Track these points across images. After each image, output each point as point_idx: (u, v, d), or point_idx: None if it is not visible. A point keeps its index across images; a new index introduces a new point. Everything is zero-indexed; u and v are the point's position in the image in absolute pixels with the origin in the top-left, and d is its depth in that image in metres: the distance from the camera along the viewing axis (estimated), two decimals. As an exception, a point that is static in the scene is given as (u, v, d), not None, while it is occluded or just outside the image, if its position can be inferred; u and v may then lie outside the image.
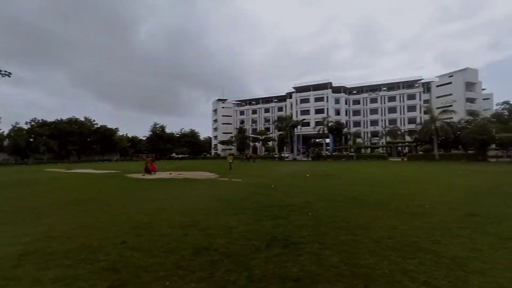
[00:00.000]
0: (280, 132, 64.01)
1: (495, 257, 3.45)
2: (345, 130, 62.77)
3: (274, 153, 65.03)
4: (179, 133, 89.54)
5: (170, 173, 19.68)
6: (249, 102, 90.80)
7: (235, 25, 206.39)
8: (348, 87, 73.65)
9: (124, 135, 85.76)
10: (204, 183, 13.37)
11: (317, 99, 69.08)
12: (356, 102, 74.31)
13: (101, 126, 77.13)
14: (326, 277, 3.06)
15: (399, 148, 57.07)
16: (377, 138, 65.80)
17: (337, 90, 70.47)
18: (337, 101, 70.47)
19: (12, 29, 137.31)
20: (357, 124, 72.82)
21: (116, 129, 79.42)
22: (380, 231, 4.67)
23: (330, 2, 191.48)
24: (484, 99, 67.38)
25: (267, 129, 78.88)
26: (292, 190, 9.99)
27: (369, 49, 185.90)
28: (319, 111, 67.06)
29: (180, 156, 78.82)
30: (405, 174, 16.69)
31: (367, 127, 72.21)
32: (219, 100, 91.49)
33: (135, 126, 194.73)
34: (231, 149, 73.77)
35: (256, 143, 75.09)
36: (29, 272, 3.31)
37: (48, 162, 58.44)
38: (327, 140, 62.02)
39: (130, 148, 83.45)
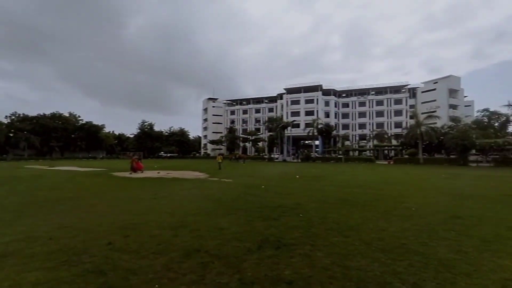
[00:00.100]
0: (271, 133, 64.25)
1: (480, 259, 3.55)
2: (334, 132, 63.73)
3: (264, 154, 65.19)
4: (168, 132, 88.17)
5: (158, 172, 19.31)
6: (240, 102, 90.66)
7: (226, 24, 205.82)
8: (338, 90, 74.99)
9: (111, 132, 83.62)
10: (193, 183, 13.18)
11: (308, 101, 69.93)
12: (345, 105, 75.75)
13: (86, 122, 74.81)
14: (319, 279, 3.05)
15: (386, 151, 58.52)
16: (365, 141, 67.22)
17: (327, 92, 71.59)
18: (326, 103, 71.57)
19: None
20: (345, 126, 74.18)
21: (103, 126, 77.26)
22: (370, 233, 4.73)
23: (321, 6, 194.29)
24: (465, 106, 70.29)
25: (258, 129, 79.01)
26: (282, 191, 10.00)
27: (358, 53, 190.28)
28: (309, 113, 67.90)
29: (168, 155, 77.60)
30: (392, 177, 17.09)
31: (355, 130, 73.71)
32: (209, 99, 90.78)
33: (123, 123, 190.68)
34: (221, 149, 73.36)
35: (246, 143, 75.00)
36: (8, 275, 3.13)
37: (29, 158, 56.00)
38: (317, 142, 62.81)
39: (117, 146, 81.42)
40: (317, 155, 52.36)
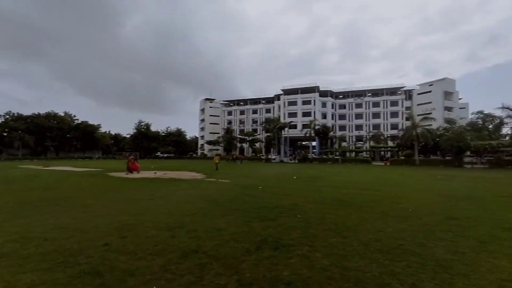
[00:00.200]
0: (268, 134, 64.29)
1: (477, 260, 3.58)
2: (331, 133, 64.00)
3: (261, 154, 65.18)
4: (165, 132, 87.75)
5: (155, 173, 19.19)
6: (237, 102, 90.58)
7: (224, 24, 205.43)
8: (335, 91, 75.36)
9: (107, 132, 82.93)
10: (190, 183, 13.12)
11: (305, 102, 70.13)
12: (342, 106, 76.15)
13: (82, 122, 74.25)
14: (317, 280, 3.04)
15: (382, 152, 58.89)
16: (361, 142, 67.65)
17: (324, 94, 71.89)
18: (323, 105, 71.87)
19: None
20: (342, 128, 74.53)
21: (98, 126, 76.71)
22: (368, 234, 4.75)
23: (318, 8, 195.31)
24: (460, 108, 71.07)
25: (255, 130, 78.97)
26: (280, 192, 10.00)
27: (354, 55, 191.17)
28: (306, 114, 68.09)
29: (165, 155, 77.23)
30: (388, 178, 17.20)
31: (352, 131, 74.09)
32: (206, 99, 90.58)
33: (119, 123, 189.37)
34: (218, 150, 73.19)
35: (244, 144, 74.96)
36: (2, 276, 3.07)
37: (23, 158, 55.35)
38: (314, 143, 62.99)
39: (113, 146, 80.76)
40: (314, 156, 52.53)
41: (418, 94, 69.41)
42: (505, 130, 40.43)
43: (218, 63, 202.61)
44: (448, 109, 64.90)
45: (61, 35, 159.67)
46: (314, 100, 69.25)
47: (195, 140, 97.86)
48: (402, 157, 41.94)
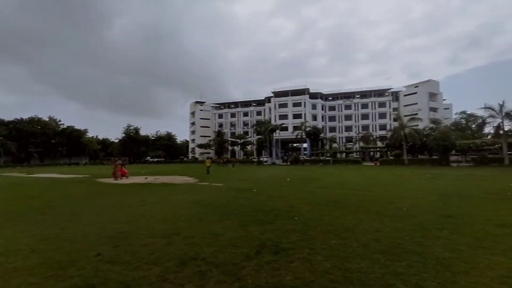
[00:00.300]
0: (259, 136, 64.35)
1: (475, 257, 3.62)
2: (322, 135, 64.72)
3: (252, 157, 65.11)
4: (155, 136, 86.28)
5: (146, 178, 18.76)
6: (228, 105, 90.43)
7: (213, 27, 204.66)
8: (325, 93, 76.42)
9: (94, 137, 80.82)
10: (183, 188, 12.88)
11: (295, 104, 70.76)
12: (332, 108, 77.29)
13: (68, 126, 72.02)
14: (321, 283, 2.99)
15: (372, 153, 60.03)
16: (351, 143, 68.76)
17: (314, 96, 72.76)
18: (314, 106, 72.70)
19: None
20: (332, 129, 75.57)
21: (85, 130, 74.64)
22: (366, 234, 4.74)
23: (306, 11, 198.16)
24: (445, 108, 73.54)
25: (246, 133, 78.95)
26: (275, 194, 9.94)
27: (342, 58, 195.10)
28: (297, 116, 68.66)
29: (155, 159, 75.96)
30: (380, 178, 17.47)
31: (342, 133, 75.23)
32: (197, 102, 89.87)
33: (107, 127, 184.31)
34: (209, 153, 72.59)
35: (235, 147, 74.69)
36: (-16, 294, 2.85)
37: (5, 165, 52.98)
38: (305, 145, 63.46)
39: (101, 151, 78.65)
40: (305, 158, 52.88)
41: (405, 95, 71.40)
42: (487, 129, 41.99)
43: (208, 65, 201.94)
44: (433, 109, 67.04)
45: (45, 37, 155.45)
46: (305, 102, 69.99)
47: (185, 143, 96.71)
48: (392, 157, 42.85)
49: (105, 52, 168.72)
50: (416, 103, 66.82)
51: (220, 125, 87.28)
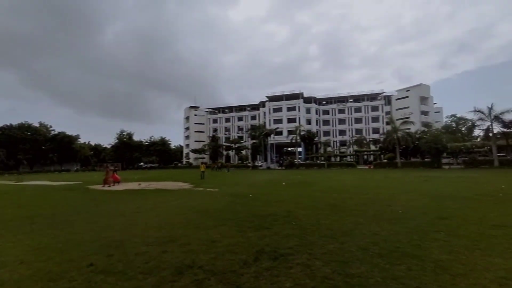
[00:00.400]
0: (254, 141, 64.33)
1: (473, 259, 3.63)
2: (316, 139, 65.14)
3: (247, 161, 64.95)
4: (148, 141, 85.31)
5: (139, 184, 18.45)
6: (222, 110, 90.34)
7: (207, 32, 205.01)
8: (318, 98, 77.21)
9: (86, 143, 79.52)
10: (178, 194, 12.70)
11: (290, 109, 71.23)
12: (326, 112, 78.04)
13: (59, 132, 70.76)
14: (321, 290, 2.94)
15: (365, 156, 60.57)
16: (345, 147, 69.35)
17: (308, 100, 73.40)
18: (308, 111, 73.28)
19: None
20: (326, 133, 76.16)
21: (77, 136, 73.50)
22: (364, 238, 4.73)
23: (299, 17, 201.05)
24: (435, 112, 75.18)
25: (241, 137, 78.84)
26: (271, 199, 9.89)
27: (335, 62, 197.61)
28: (291, 120, 69.07)
29: (149, 165, 75.05)
30: (374, 181, 17.59)
31: (336, 136, 75.86)
32: (191, 107, 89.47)
33: (99, 133, 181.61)
34: (204, 158, 72.14)
35: (230, 151, 74.44)
36: (-31, 309, 2.70)
37: (-7, 173, 51.51)
38: (299, 149, 63.70)
39: (93, 157, 77.35)
40: (300, 162, 53.01)
41: (397, 99, 72.65)
42: (477, 132, 42.99)
43: (202, 71, 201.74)
44: (425, 113, 68.34)
45: (36, 42, 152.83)
46: (299, 107, 70.51)
47: (180, 149, 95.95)
48: (385, 160, 43.34)
49: (98, 57, 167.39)
50: (408, 107, 68.02)
51: (215, 130, 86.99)
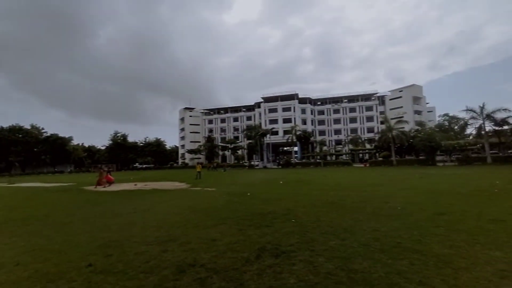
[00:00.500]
0: (249, 141, 64.27)
1: (473, 253, 3.67)
2: (312, 138, 65.40)
3: (243, 161, 64.84)
4: (143, 142, 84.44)
5: (135, 184, 18.24)
6: (218, 111, 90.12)
7: (201, 35, 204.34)
8: (313, 98, 77.58)
9: (80, 145, 78.38)
10: (175, 193, 12.59)
11: (285, 109, 71.43)
12: (321, 112, 78.48)
13: (51, 134, 69.50)
14: (326, 285, 2.93)
15: (361, 155, 61.07)
16: (341, 146, 69.82)
17: (303, 101, 73.72)
18: (303, 111, 73.58)
19: None
20: (322, 133, 76.59)
21: (70, 138, 72.33)
22: (365, 234, 4.73)
23: (292, 20, 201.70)
24: (428, 111, 76.31)
25: (236, 137, 78.68)
26: (269, 198, 9.86)
27: (329, 64, 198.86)
28: (286, 120, 69.27)
29: (144, 166, 74.33)
30: (371, 178, 17.71)
31: (331, 136, 76.33)
32: (186, 108, 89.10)
33: (93, 135, 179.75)
34: (200, 158, 71.80)
35: (226, 151, 74.23)
36: (-35, 312, 2.62)
37: (-17, 176, 50.36)
38: (295, 148, 63.89)
39: (87, 159, 76.31)
40: (296, 161, 53.16)
41: (390, 99, 73.50)
42: (469, 130, 43.70)
43: (197, 73, 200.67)
44: (418, 112, 69.32)
45: (26, 44, 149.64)
46: (294, 107, 70.76)
47: (175, 149, 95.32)
48: (380, 158, 43.71)
49: (91, 59, 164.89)
50: (402, 107, 68.90)
51: (210, 131, 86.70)
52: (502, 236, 4.35)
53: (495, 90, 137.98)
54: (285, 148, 74.75)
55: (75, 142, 75.41)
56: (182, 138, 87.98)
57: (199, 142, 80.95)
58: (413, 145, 39.68)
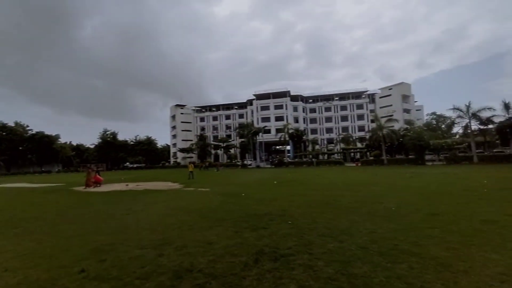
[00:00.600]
0: (242, 139, 64.06)
1: (470, 255, 3.71)
2: (304, 137, 65.78)
3: (236, 160, 64.64)
4: (134, 141, 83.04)
5: (127, 185, 17.87)
6: (210, 108, 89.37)
7: (190, 28, 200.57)
8: (305, 96, 77.98)
9: (67, 143, 76.36)
10: (168, 194, 12.40)
11: (277, 107, 71.49)
12: (313, 110, 78.96)
13: (37, 132, 67.34)
14: (327, 291, 2.90)
15: (352, 154, 61.85)
16: (333, 144, 70.56)
17: (295, 98, 73.92)
18: (295, 109, 73.82)
19: None
20: (314, 131, 77.12)
21: (57, 136, 70.42)
22: (362, 236, 4.75)
23: (283, 15, 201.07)
24: (417, 110, 77.94)
25: (229, 136, 78.29)
26: (264, 198, 9.83)
27: (320, 61, 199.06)
28: (279, 118, 69.37)
29: (135, 165, 73.16)
30: (363, 178, 17.94)
31: (323, 134, 76.99)
32: (177, 105, 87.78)
33: (81, 132, 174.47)
34: (192, 157, 71.14)
35: (218, 150, 73.80)
36: None
37: (-35, 175, 48.45)
38: (288, 147, 64.17)
39: (75, 158, 74.42)
40: (289, 160, 53.37)
41: (380, 97, 74.65)
42: (456, 129, 44.85)
43: (187, 68, 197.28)
44: (407, 111, 70.63)
45: (7, 36, 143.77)
46: (286, 105, 70.90)
47: (167, 148, 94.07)
48: (371, 158, 44.40)
49: (77, 53, 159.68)
50: (391, 105, 70.01)
51: (202, 129, 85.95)
52: (495, 237, 4.43)
53: (481, 88, 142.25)
54: (277, 147, 74.95)
55: (62, 140, 73.65)
56: (174, 136, 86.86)
57: (191, 140, 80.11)
58: (403, 144, 40.44)
